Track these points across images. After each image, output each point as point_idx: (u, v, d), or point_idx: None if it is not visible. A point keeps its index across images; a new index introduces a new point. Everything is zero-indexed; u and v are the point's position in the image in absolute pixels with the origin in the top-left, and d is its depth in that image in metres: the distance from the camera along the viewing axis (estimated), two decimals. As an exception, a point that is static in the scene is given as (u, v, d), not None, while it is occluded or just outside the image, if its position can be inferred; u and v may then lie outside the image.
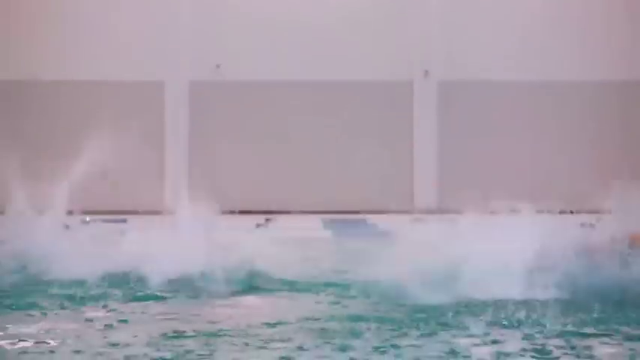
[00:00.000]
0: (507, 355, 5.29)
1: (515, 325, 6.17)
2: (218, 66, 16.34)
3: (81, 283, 7.96)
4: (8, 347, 5.41)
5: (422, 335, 5.84)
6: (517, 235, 7.64)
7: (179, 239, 8.66)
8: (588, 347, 5.55)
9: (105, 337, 5.86)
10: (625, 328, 6.13)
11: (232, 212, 15.10)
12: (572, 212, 14.97)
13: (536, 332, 5.93)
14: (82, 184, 16.14)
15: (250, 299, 7.68)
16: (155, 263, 8.12)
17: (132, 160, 16.33)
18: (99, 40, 16.34)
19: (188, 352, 5.29)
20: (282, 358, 5.23)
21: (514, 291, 7.26)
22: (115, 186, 16.14)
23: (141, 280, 8.04)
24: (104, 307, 7.19)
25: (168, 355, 5.22)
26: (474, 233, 7.67)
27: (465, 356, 5.21)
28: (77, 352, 5.37)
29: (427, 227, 9.51)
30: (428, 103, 16.48)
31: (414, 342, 5.61)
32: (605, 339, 5.84)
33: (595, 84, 16.41)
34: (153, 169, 16.28)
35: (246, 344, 5.54)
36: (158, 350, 5.34)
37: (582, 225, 9.72)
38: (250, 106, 16.43)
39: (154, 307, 7.08)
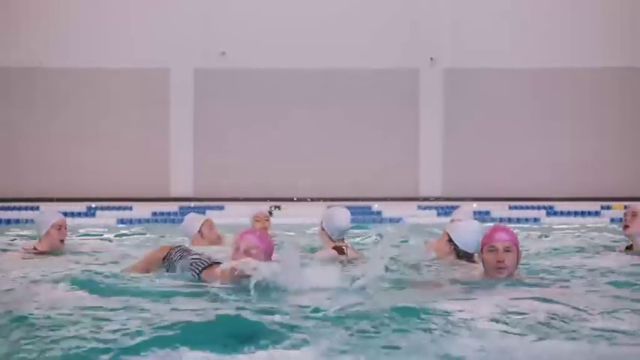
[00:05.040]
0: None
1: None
2: (224, 53, 16.33)
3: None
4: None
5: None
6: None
7: None
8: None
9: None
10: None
11: (237, 199, 15.19)
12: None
13: None
14: (87, 171, 16.28)
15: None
16: None
17: (137, 146, 16.39)
18: (104, 27, 16.34)
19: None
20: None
21: None
22: (120, 173, 16.18)
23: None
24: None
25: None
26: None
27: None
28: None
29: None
30: (434, 90, 16.46)
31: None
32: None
33: (598, 71, 16.38)
34: (158, 156, 16.29)
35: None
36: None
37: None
38: (255, 93, 16.42)
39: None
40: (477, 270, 5.94)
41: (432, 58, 16.38)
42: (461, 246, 6.64)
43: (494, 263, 5.47)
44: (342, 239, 7.49)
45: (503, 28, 16.43)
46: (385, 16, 16.49)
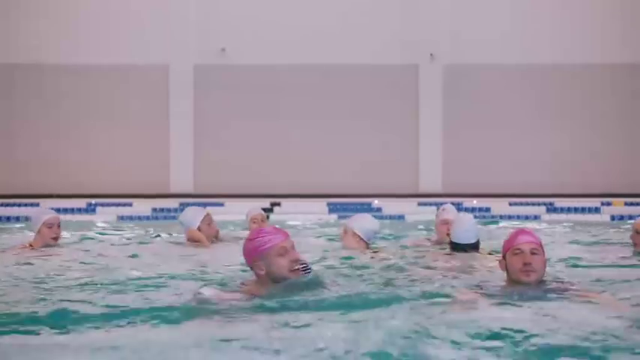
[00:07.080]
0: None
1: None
2: (223, 49, 16.31)
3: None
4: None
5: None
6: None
7: None
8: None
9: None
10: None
11: (237, 196, 15.19)
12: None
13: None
14: (87, 168, 16.28)
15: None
16: None
17: (137, 143, 16.37)
18: (104, 23, 16.33)
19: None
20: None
21: None
22: (120, 169, 16.18)
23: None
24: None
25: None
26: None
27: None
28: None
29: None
30: (433, 86, 16.45)
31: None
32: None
33: (598, 67, 16.36)
34: (158, 152, 16.28)
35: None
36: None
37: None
38: (255, 89, 16.41)
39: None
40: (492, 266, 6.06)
41: (431, 54, 16.36)
42: (455, 240, 7.20)
43: (521, 266, 5.07)
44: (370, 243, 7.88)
45: (503, 25, 16.41)
46: (385, 11, 16.47)
